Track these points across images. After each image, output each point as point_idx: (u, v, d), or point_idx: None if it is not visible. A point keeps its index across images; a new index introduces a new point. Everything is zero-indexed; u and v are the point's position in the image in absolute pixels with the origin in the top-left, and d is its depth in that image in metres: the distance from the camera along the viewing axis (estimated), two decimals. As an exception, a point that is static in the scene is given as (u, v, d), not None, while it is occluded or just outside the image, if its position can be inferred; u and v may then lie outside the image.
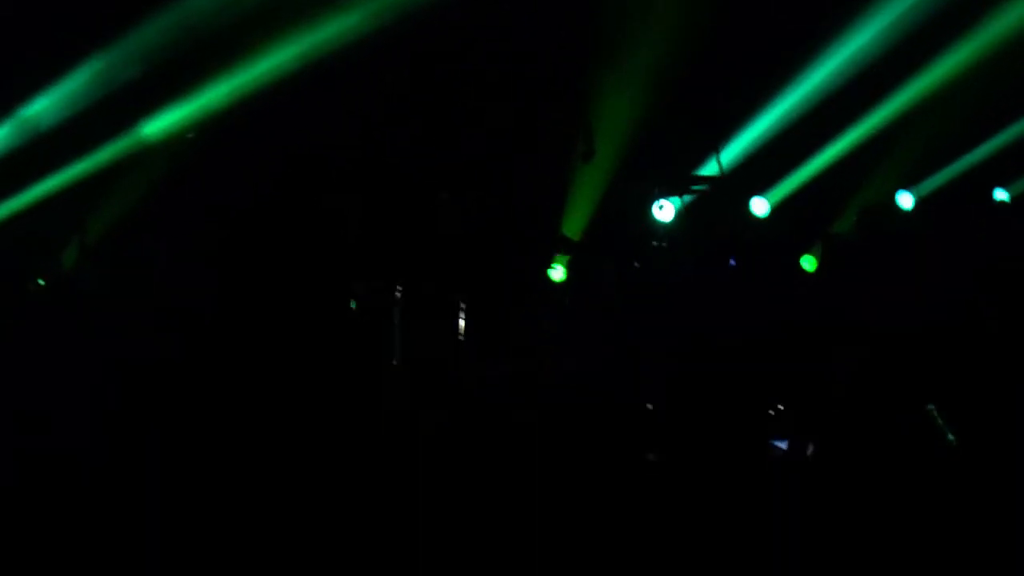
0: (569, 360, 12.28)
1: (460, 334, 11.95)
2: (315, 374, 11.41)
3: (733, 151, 14.41)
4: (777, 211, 14.72)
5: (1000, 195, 15.26)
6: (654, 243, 13.53)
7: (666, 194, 13.57)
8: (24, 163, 12.56)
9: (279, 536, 8.95)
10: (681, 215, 13.58)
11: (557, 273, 13.66)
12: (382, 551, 8.84)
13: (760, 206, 14.50)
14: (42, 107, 12.35)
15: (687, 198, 13.72)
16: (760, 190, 14.63)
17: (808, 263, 14.85)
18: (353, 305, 11.95)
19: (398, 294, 11.75)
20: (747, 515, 9.11)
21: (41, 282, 12.43)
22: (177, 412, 10.77)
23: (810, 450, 10.42)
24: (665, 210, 13.51)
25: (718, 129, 14.20)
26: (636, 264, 13.47)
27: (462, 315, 11.96)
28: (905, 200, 14.99)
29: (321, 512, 9.48)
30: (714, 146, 13.81)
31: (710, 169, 13.89)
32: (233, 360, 11.38)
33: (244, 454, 10.39)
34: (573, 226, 13.91)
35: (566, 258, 13.77)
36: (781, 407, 11.70)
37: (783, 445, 11.13)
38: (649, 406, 12.02)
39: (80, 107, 12.39)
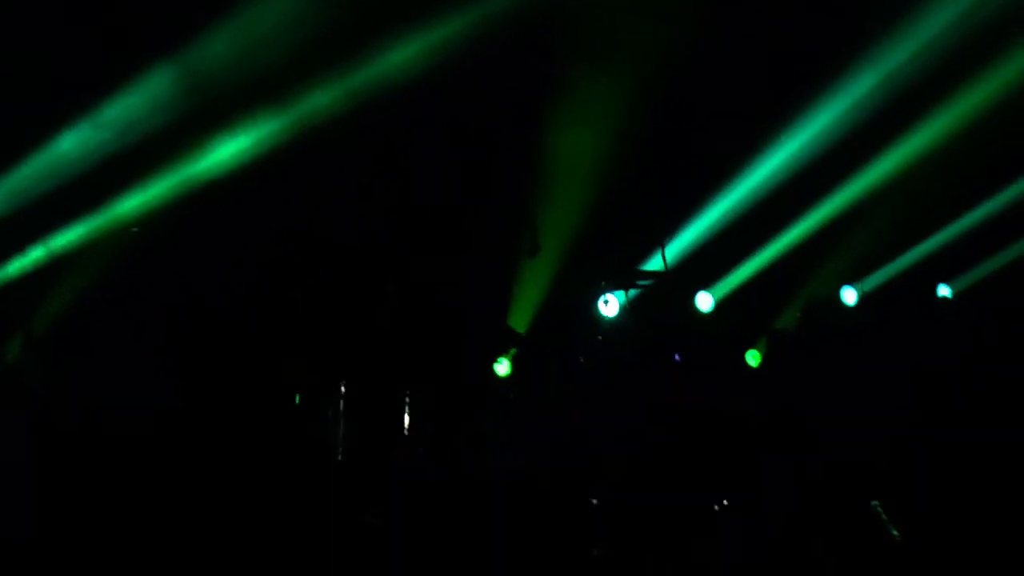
0: (514, 454, 12.26)
1: (405, 429, 11.92)
2: (258, 469, 11.37)
3: (678, 246, 14.46)
4: (722, 306, 14.76)
5: (943, 291, 15.36)
6: (599, 338, 13.57)
7: (611, 289, 13.62)
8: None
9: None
10: (626, 310, 13.63)
11: (502, 368, 13.65)
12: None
13: (705, 301, 14.55)
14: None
15: (632, 293, 13.77)
16: (705, 285, 14.68)
17: (753, 358, 14.89)
18: (297, 400, 11.92)
19: (343, 388, 11.71)
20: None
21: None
22: (116, 512, 10.72)
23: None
24: (610, 305, 13.56)
25: (663, 224, 14.26)
26: (581, 359, 13.50)
27: (407, 409, 11.94)
28: (849, 295, 15.07)
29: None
30: (659, 241, 13.89)
31: (655, 264, 13.95)
32: (175, 456, 11.33)
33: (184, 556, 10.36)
34: (519, 321, 13.91)
35: (511, 353, 13.76)
36: (725, 503, 11.71)
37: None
38: (594, 501, 12.00)
39: (26, 197, 12.33)
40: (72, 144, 12.17)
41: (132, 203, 12.52)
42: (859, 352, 14.07)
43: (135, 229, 12.32)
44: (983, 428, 12.80)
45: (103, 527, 10.55)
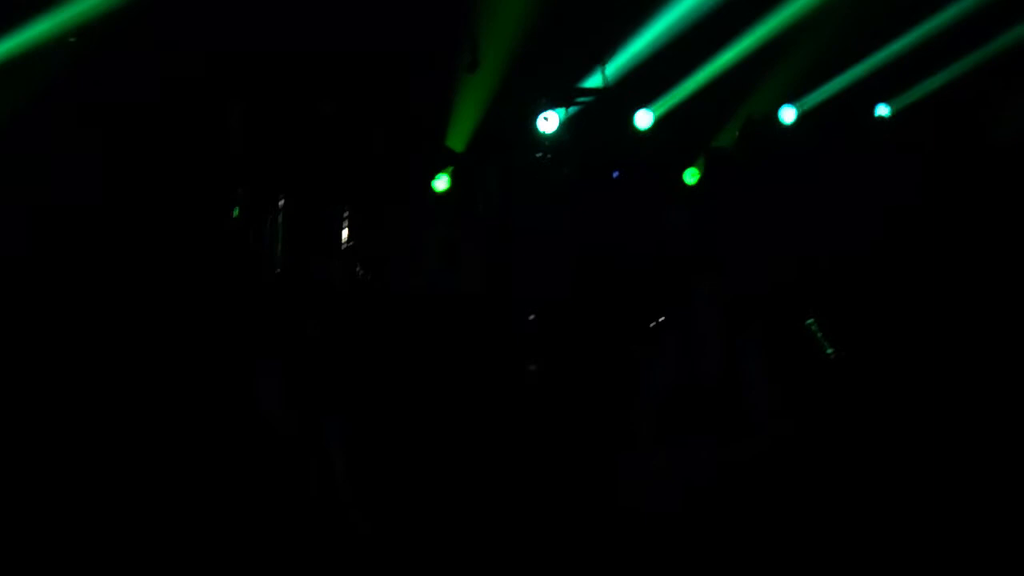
0: (451, 269, 12.28)
1: (343, 244, 11.90)
2: (195, 283, 11.34)
3: (618, 63, 14.38)
4: (661, 124, 14.74)
5: (882, 110, 15.38)
6: (538, 154, 13.56)
7: (551, 106, 13.58)
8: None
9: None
10: (565, 126, 13.60)
11: (441, 183, 13.63)
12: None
13: (644, 119, 14.51)
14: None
15: (572, 110, 13.73)
16: (644, 103, 14.63)
17: (691, 176, 14.92)
18: (236, 213, 11.87)
19: (281, 203, 11.67)
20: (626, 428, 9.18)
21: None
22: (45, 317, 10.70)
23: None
24: (550, 121, 13.52)
25: (603, 41, 14.17)
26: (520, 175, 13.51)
27: (345, 225, 11.90)
28: (788, 114, 15.06)
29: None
30: (599, 58, 13.83)
31: (595, 81, 13.90)
32: (109, 267, 11.28)
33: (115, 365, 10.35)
34: (458, 136, 13.87)
35: (450, 168, 13.74)
36: (662, 319, 11.78)
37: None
38: (531, 316, 12.06)
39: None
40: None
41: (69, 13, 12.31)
42: (797, 172, 14.11)
43: (72, 39, 12.12)
44: (917, 249, 12.92)
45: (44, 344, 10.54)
